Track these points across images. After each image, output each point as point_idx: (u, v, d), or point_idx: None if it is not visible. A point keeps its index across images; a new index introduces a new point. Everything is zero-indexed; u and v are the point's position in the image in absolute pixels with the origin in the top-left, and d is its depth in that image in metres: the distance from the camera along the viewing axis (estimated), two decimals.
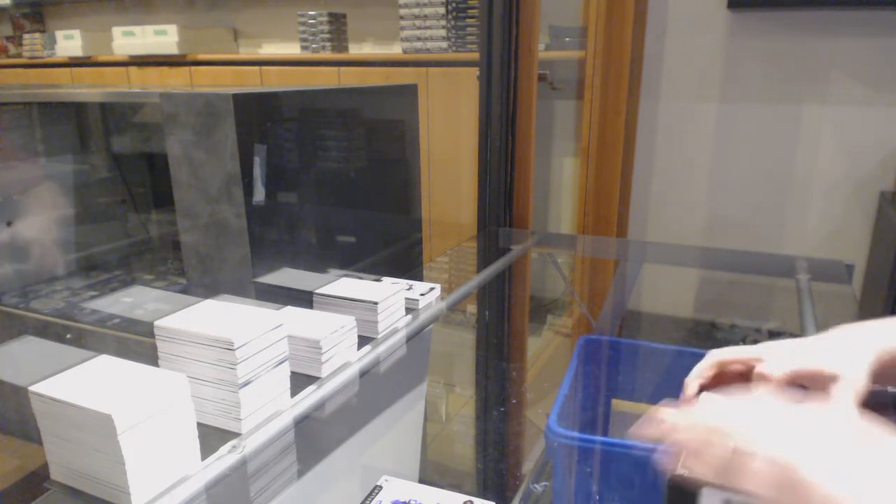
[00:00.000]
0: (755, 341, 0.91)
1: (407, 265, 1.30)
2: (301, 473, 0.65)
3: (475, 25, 2.18)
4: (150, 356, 0.65)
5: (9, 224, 1.23)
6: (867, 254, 1.83)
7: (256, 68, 2.60)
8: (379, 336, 0.87)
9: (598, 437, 0.60)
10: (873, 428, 0.36)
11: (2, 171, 1.24)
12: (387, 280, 0.99)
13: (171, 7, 3.17)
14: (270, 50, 3.00)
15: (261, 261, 0.90)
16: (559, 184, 2.25)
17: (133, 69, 2.93)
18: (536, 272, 1.53)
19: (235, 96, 0.83)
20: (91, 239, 1.36)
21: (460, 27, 2.21)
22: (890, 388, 0.57)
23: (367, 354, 0.83)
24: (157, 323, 0.65)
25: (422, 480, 0.57)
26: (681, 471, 0.41)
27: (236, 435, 0.64)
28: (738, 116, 1.90)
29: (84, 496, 0.55)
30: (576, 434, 0.59)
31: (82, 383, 0.55)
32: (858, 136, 1.78)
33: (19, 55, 3.49)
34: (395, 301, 0.90)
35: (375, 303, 0.86)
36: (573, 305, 1.39)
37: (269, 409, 0.67)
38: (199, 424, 0.60)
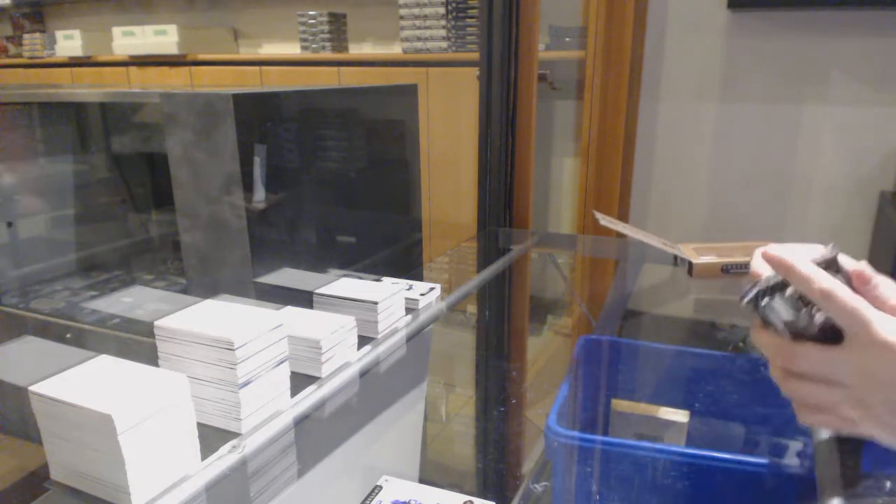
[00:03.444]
0: None
1: (407, 265, 1.30)
2: (301, 473, 0.65)
3: (475, 25, 2.18)
4: (150, 356, 0.65)
5: (9, 224, 1.23)
6: (867, 254, 1.83)
7: (256, 68, 2.60)
8: (379, 336, 0.87)
9: (598, 437, 0.60)
10: None
11: (2, 171, 1.24)
12: (387, 280, 0.99)
13: (171, 7, 3.17)
14: (270, 50, 3.00)
15: (261, 261, 0.90)
16: (559, 184, 2.25)
17: (133, 69, 2.93)
18: (536, 272, 1.52)
19: (235, 96, 0.83)
20: (91, 239, 1.36)
21: (460, 27, 2.21)
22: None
23: (367, 354, 0.83)
24: (157, 323, 0.65)
25: (422, 480, 0.57)
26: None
27: (236, 435, 0.64)
28: (738, 116, 1.90)
29: (84, 496, 0.55)
30: (576, 434, 0.59)
31: (82, 383, 0.55)
32: (858, 136, 1.78)
33: (19, 55, 3.49)
34: (395, 301, 0.90)
35: (375, 303, 0.86)
36: (573, 305, 1.39)
37: (269, 409, 0.67)
38: (199, 424, 0.60)
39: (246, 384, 0.63)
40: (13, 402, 1.00)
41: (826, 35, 1.74)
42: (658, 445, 0.60)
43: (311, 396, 0.72)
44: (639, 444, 0.58)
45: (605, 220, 1.28)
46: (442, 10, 2.20)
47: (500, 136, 1.52)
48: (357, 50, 2.76)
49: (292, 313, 0.80)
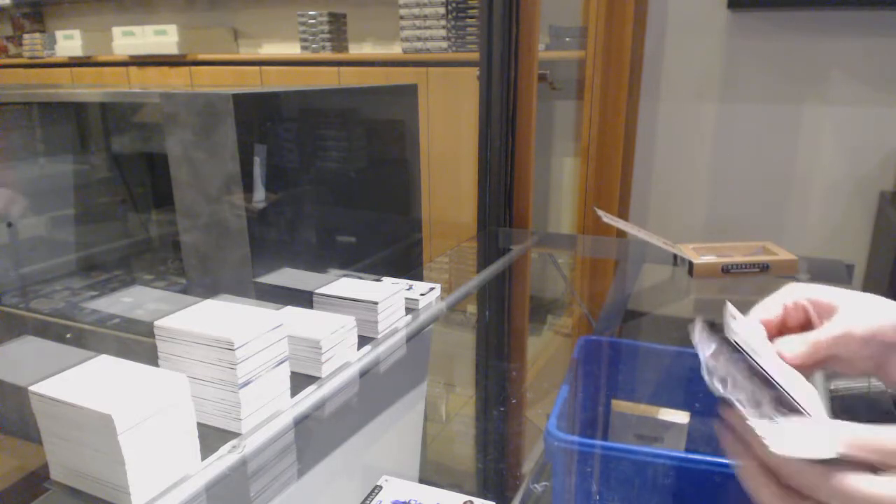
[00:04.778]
0: None
1: (407, 265, 1.30)
2: (301, 473, 0.65)
3: (475, 25, 2.18)
4: (150, 356, 0.65)
5: (9, 224, 1.23)
6: (867, 254, 1.83)
7: (256, 68, 2.60)
8: (379, 336, 0.87)
9: (598, 442, 0.60)
10: None
11: (2, 171, 1.24)
12: (387, 280, 0.99)
13: (171, 7, 3.17)
14: (270, 50, 3.00)
15: (261, 261, 0.90)
16: (559, 184, 2.25)
17: (133, 69, 2.93)
18: (536, 272, 1.53)
19: (235, 96, 0.83)
20: (91, 239, 1.36)
21: (460, 27, 2.21)
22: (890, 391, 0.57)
23: (367, 354, 0.83)
24: (157, 323, 0.65)
25: (422, 480, 0.57)
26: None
27: (236, 435, 0.64)
28: (738, 116, 1.90)
29: (84, 496, 0.55)
30: (575, 439, 0.59)
31: (82, 383, 0.55)
32: (858, 136, 1.78)
33: (19, 55, 3.49)
34: (395, 301, 0.90)
35: (375, 303, 0.86)
36: (573, 305, 1.39)
37: (269, 409, 0.67)
38: (199, 424, 0.60)
39: (246, 384, 0.63)
40: (13, 402, 1.00)
41: (826, 35, 1.74)
42: (658, 450, 0.60)
43: (311, 396, 0.72)
44: (638, 449, 0.58)
45: (606, 217, 1.28)
46: (442, 10, 2.20)
47: (500, 136, 1.52)
48: (357, 50, 2.75)
49: (292, 313, 0.80)
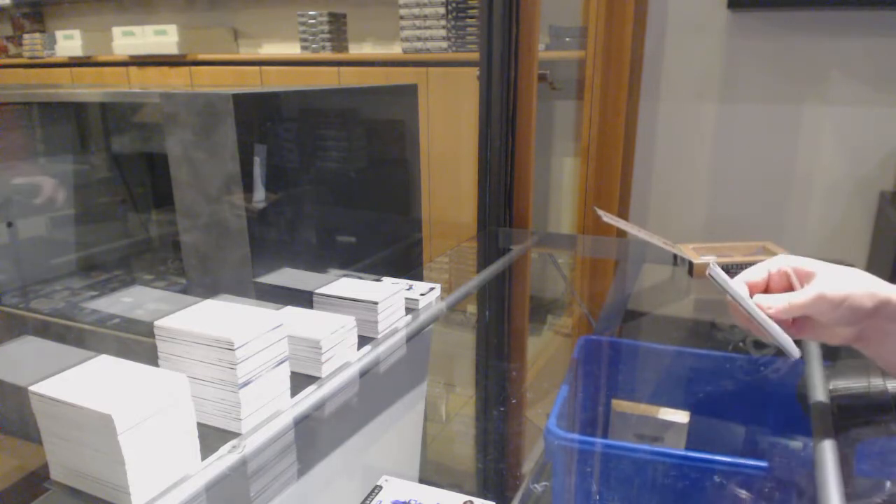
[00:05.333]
0: (755, 342, 0.92)
1: (407, 265, 1.30)
2: (301, 473, 0.65)
3: (475, 25, 2.18)
4: (150, 356, 0.65)
5: (9, 224, 1.23)
6: (867, 254, 1.82)
7: (256, 68, 2.60)
8: (379, 336, 0.87)
9: (598, 440, 0.60)
10: None
11: (2, 171, 1.24)
12: (387, 280, 0.99)
13: (171, 7, 3.17)
14: (270, 50, 3.00)
15: (261, 261, 0.90)
16: (559, 184, 2.25)
17: (133, 69, 2.93)
18: (536, 272, 1.53)
19: (235, 96, 0.83)
20: (91, 239, 1.36)
21: (460, 27, 2.21)
22: (890, 387, 0.59)
23: (367, 354, 0.83)
24: (157, 323, 0.65)
25: (422, 480, 0.57)
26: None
27: (236, 435, 0.64)
28: (738, 116, 1.90)
29: (84, 496, 0.55)
30: (575, 437, 0.59)
31: (82, 383, 0.55)
32: (858, 136, 1.78)
33: (19, 55, 3.49)
34: (395, 301, 0.90)
35: (375, 303, 0.86)
36: (573, 305, 1.39)
37: (269, 409, 0.67)
38: (199, 424, 0.60)
39: (246, 384, 0.63)
40: (13, 402, 1.00)
41: (826, 35, 1.74)
42: (657, 448, 0.60)
43: (311, 396, 0.72)
44: (638, 448, 0.58)
45: (606, 217, 1.29)
46: (442, 10, 2.20)
47: (500, 136, 1.52)
48: (357, 50, 2.75)
49: (292, 313, 0.80)
